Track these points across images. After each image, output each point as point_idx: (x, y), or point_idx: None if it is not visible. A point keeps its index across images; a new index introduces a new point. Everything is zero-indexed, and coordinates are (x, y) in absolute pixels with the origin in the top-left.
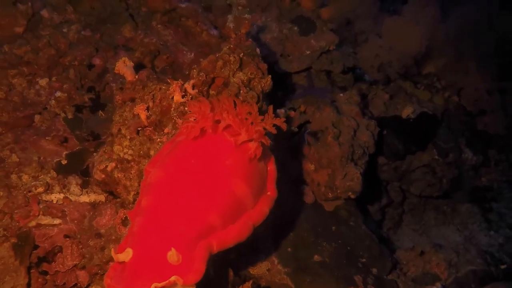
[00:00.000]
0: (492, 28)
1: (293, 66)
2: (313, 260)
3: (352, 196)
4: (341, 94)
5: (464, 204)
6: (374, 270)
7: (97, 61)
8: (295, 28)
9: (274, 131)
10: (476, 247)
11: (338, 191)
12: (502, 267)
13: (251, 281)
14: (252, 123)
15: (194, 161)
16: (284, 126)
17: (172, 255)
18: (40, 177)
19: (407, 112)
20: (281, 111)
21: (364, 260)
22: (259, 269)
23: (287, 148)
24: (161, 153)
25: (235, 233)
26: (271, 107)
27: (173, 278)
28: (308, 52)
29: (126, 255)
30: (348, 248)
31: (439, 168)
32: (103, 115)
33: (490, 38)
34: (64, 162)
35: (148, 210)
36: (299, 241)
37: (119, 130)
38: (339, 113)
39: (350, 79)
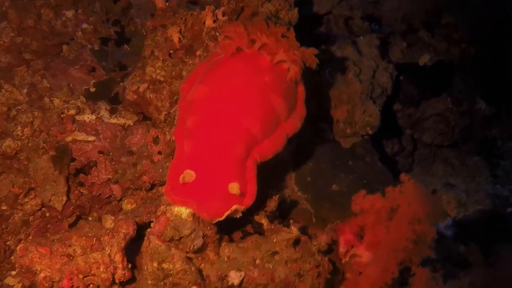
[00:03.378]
0: None
1: (312, 10)
2: (331, 189)
3: (370, 132)
4: (361, 37)
5: (472, 158)
6: None
7: None
8: None
9: (315, 60)
10: (485, 191)
11: (357, 126)
12: (510, 210)
13: (278, 195)
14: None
15: (235, 77)
16: (314, 62)
17: (234, 188)
18: (70, 102)
19: (424, 60)
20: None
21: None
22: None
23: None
24: (198, 72)
25: (274, 143)
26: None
27: (234, 207)
28: None
29: (190, 177)
30: (364, 181)
31: (452, 117)
32: (128, 48)
33: None
34: (92, 90)
35: (199, 130)
36: (317, 171)
37: (152, 52)
38: (359, 54)
39: (368, 29)
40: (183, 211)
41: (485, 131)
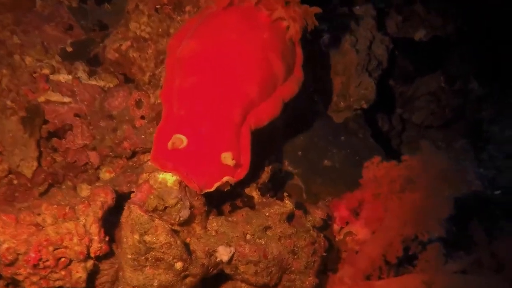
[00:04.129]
0: None
1: None
2: (323, 164)
3: (365, 106)
4: (357, 7)
5: (459, 141)
6: None
7: None
8: None
9: (315, 22)
10: (474, 173)
11: (351, 100)
12: (497, 192)
13: (271, 166)
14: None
15: (229, 32)
16: (314, 23)
17: (227, 158)
18: (44, 61)
19: (419, 35)
20: None
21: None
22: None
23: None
24: (188, 28)
25: (270, 108)
26: None
27: (225, 178)
28: None
29: (180, 142)
30: (357, 157)
31: (444, 97)
32: (109, 7)
33: None
34: (69, 49)
35: (191, 90)
36: (309, 145)
37: (137, 5)
38: (356, 23)
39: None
40: (169, 178)
41: (475, 113)
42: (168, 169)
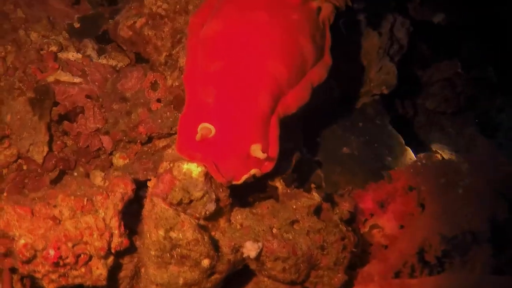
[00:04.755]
0: None
1: None
2: (341, 151)
3: (386, 91)
4: None
5: (469, 128)
6: None
7: None
8: None
9: (349, 2)
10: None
11: (372, 84)
12: None
13: (295, 154)
14: None
15: (258, 11)
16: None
17: (256, 150)
18: (51, 37)
19: (438, 19)
20: None
21: (390, 158)
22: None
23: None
24: (211, 4)
25: (300, 94)
26: None
27: (253, 171)
28: None
29: (207, 131)
30: (376, 145)
31: (459, 83)
32: None
33: None
34: (76, 25)
35: (218, 75)
36: (327, 133)
37: None
38: (376, 4)
39: None
40: (194, 169)
41: (489, 101)
42: (197, 160)
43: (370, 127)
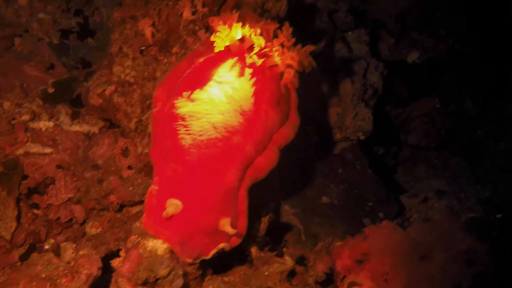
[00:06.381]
0: None
1: (296, 2)
2: (321, 201)
3: (362, 137)
4: (350, 33)
5: (455, 158)
6: (381, 215)
7: None
8: None
9: (312, 63)
10: (475, 196)
11: (348, 131)
12: (498, 216)
13: (268, 216)
14: (282, 45)
15: (222, 86)
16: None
17: (225, 224)
18: (24, 105)
19: (413, 57)
20: None
21: (371, 204)
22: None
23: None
24: (176, 73)
25: (267, 160)
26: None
27: (221, 245)
28: None
29: (175, 207)
30: (355, 191)
31: (439, 118)
32: (93, 42)
33: None
34: (50, 90)
35: (185, 152)
36: (306, 181)
37: (120, 48)
38: (349, 51)
39: (352, 22)
40: (159, 246)
41: (471, 132)
42: (162, 238)
43: (350, 173)
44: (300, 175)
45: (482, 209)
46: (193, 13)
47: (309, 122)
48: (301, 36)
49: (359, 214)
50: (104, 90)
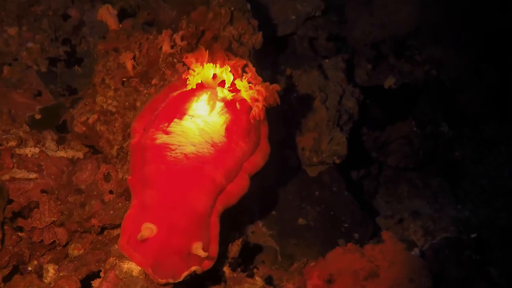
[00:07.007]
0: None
1: (278, 31)
2: (297, 223)
3: (337, 161)
4: (327, 60)
5: (435, 178)
6: (356, 236)
7: (73, 13)
8: None
9: (277, 100)
10: (449, 217)
11: (324, 155)
12: (473, 236)
13: (241, 239)
14: (250, 82)
15: (194, 119)
16: (276, 101)
17: (197, 248)
18: (11, 131)
19: (389, 82)
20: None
21: (346, 225)
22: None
23: (272, 112)
24: (152, 106)
25: (238, 188)
26: (252, 69)
27: (193, 268)
28: (293, 17)
29: (149, 231)
30: (332, 213)
31: (416, 140)
32: (80, 70)
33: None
34: (37, 116)
35: (160, 179)
36: (283, 204)
37: (103, 80)
38: (325, 78)
39: (333, 49)
40: (134, 268)
41: (448, 154)
42: (136, 261)
43: (326, 195)
44: (278, 197)
45: (456, 229)
46: (172, 47)
47: (289, 146)
48: (279, 63)
49: (335, 235)
50: (88, 119)
